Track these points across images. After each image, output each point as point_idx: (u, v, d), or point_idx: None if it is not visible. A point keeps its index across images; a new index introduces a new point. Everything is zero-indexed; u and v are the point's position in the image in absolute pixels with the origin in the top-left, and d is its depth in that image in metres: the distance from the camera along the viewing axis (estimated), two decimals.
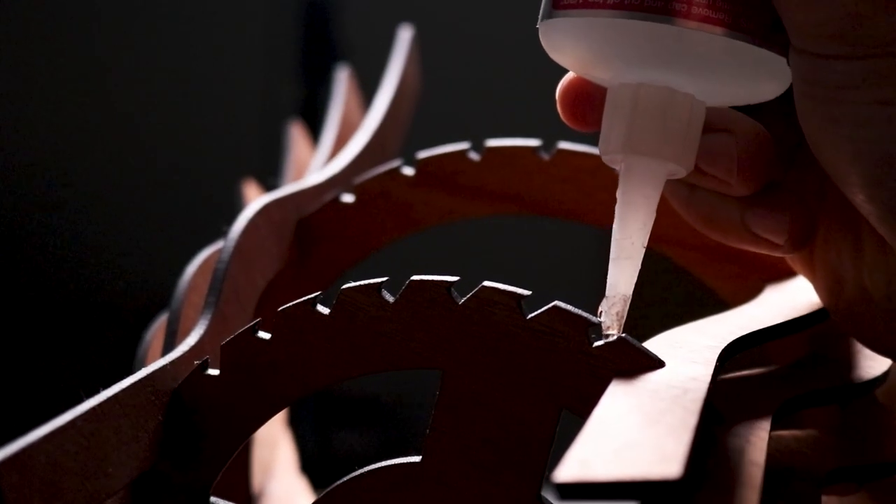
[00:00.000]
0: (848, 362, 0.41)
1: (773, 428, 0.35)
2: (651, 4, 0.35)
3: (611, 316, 0.36)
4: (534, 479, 0.34)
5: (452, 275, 0.36)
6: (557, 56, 0.37)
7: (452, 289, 0.35)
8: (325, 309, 0.35)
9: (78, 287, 1.69)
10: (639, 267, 0.37)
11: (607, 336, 0.35)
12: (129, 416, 0.34)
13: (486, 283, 0.35)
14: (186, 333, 0.40)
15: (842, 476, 0.37)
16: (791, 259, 0.41)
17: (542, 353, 0.34)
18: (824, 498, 0.37)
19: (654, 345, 0.36)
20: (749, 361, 0.40)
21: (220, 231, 0.44)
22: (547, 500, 0.34)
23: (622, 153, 0.37)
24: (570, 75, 0.39)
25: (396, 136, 0.60)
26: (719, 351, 0.35)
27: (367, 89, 0.65)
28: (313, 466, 0.61)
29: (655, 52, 0.36)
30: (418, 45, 0.64)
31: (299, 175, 0.60)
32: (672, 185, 0.39)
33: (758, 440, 0.33)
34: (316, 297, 0.36)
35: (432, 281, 0.35)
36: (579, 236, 1.42)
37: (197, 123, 1.70)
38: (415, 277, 0.35)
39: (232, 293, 0.41)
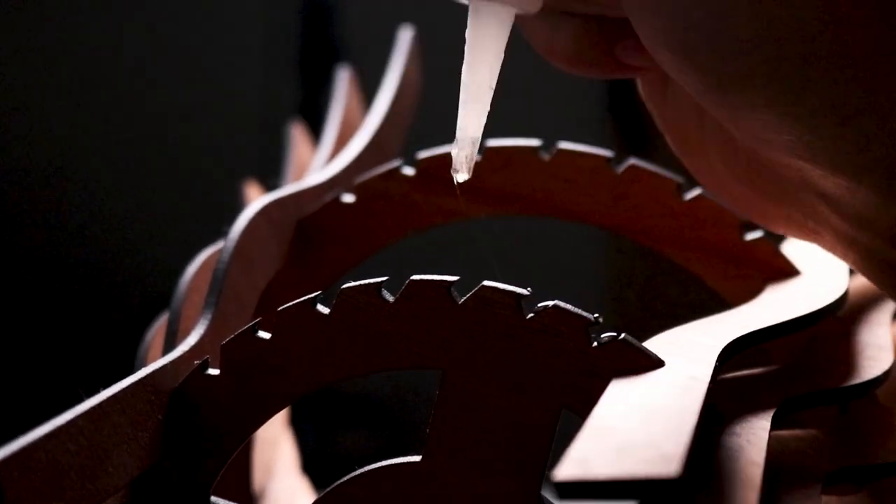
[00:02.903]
0: (848, 362, 0.41)
1: (773, 428, 0.35)
2: None
3: (461, 159, 0.38)
4: (534, 479, 0.34)
5: (452, 275, 0.36)
6: None
7: (452, 288, 0.35)
8: (325, 308, 0.35)
9: (78, 287, 1.69)
10: (487, 109, 0.38)
11: (458, 174, 0.37)
12: (129, 415, 0.34)
13: (486, 283, 0.35)
14: (187, 333, 0.40)
15: (842, 476, 0.37)
16: (648, 94, 0.41)
17: (542, 353, 0.34)
18: (824, 498, 0.37)
19: (653, 344, 0.36)
20: (749, 361, 0.40)
21: (221, 231, 0.44)
22: (547, 499, 0.35)
23: None
24: None
25: (397, 136, 0.60)
26: (719, 351, 0.35)
27: (367, 89, 0.65)
28: (314, 466, 0.61)
29: None
30: (419, 46, 0.64)
31: (300, 175, 0.60)
32: (532, 28, 0.39)
33: (757, 440, 0.33)
34: (316, 296, 0.36)
35: (432, 280, 0.35)
36: (579, 236, 1.42)
37: (197, 123, 1.70)
38: (414, 277, 0.35)
39: (232, 293, 0.41)
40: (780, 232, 0.39)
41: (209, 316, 0.40)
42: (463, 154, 0.38)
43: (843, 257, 0.37)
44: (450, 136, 0.44)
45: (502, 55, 0.38)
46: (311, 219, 0.48)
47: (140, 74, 1.70)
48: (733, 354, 0.36)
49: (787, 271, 0.46)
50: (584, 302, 0.36)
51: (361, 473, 0.36)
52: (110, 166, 1.71)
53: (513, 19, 0.38)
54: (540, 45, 0.40)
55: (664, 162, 0.48)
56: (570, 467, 0.27)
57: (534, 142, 0.48)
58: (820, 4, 0.32)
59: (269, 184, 0.59)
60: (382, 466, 0.35)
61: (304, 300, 0.36)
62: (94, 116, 1.71)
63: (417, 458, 0.35)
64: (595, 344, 0.34)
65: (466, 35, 0.38)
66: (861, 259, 0.36)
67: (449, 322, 0.35)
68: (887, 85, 0.32)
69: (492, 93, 0.38)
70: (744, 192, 0.38)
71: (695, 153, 0.40)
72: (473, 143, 0.38)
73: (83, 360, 1.52)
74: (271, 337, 0.36)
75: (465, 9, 0.38)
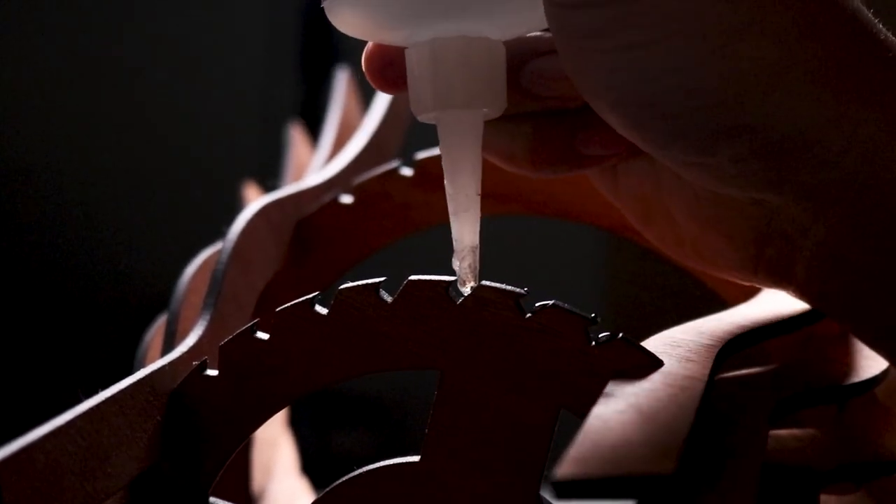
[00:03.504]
0: (846, 361, 0.41)
1: (771, 427, 0.35)
2: None
3: (464, 269, 0.37)
4: (532, 479, 0.34)
5: (451, 275, 0.36)
6: (348, 29, 0.38)
7: (450, 288, 0.35)
8: (323, 309, 0.36)
9: (77, 288, 1.69)
10: (479, 215, 0.38)
11: (465, 286, 0.36)
12: (128, 416, 0.34)
13: (484, 283, 0.35)
14: (185, 334, 0.40)
15: (841, 475, 0.37)
16: (600, 183, 0.41)
17: (540, 353, 0.34)
18: (823, 497, 0.37)
19: (652, 344, 0.36)
20: (747, 360, 0.40)
21: (220, 232, 0.44)
22: (546, 499, 0.35)
23: (433, 111, 0.37)
24: (371, 43, 0.39)
25: (395, 137, 0.60)
26: (717, 350, 0.35)
27: (366, 90, 0.65)
28: (313, 466, 0.61)
29: (437, 3, 0.36)
30: None
31: (299, 176, 0.60)
32: (491, 138, 0.39)
33: (756, 439, 0.33)
34: (314, 297, 0.36)
35: (430, 281, 0.35)
36: (579, 236, 1.42)
37: (197, 124, 1.70)
38: (413, 277, 0.35)
39: (231, 294, 0.41)
40: (754, 283, 0.39)
41: (208, 317, 0.40)
42: (466, 264, 0.37)
43: (817, 297, 0.38)
44: None
45: (480, 159, 0.38)
46: (309, 219, 0.49)
47: (140, 75, 1.70)
48: (731, 354, 0.36)
49: None
50: (584, 302, 0.36)
51: (360, 474, 0.36)
52: (110, 166, 1.71)
53: (482, 123, 0.38)
54: (500, 154, 0.40)
55: None
56: (568, 467, 0.27)
57: None
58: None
59: (268, 184, 0.59)
60: (381, 467, 0.35)
61: (303, 301, 0.36)
62: (93, 116, 1.71)
63: (416, 459, 0.35)
64: (593, 344, 0.34)
65: (440, 149, 0.38)
66: (838, 289, 0.37)
67: (447, 322, 0.35)
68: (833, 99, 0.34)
69: (479, 198, 0.38)
70: (714, 241, 0.39)
71: (656, 219, 0.40)
72: (473, 252, 0.37)
73: (82, 361, 1.52)
74: (270, 337, 0.36)
75: None
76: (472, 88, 0.37)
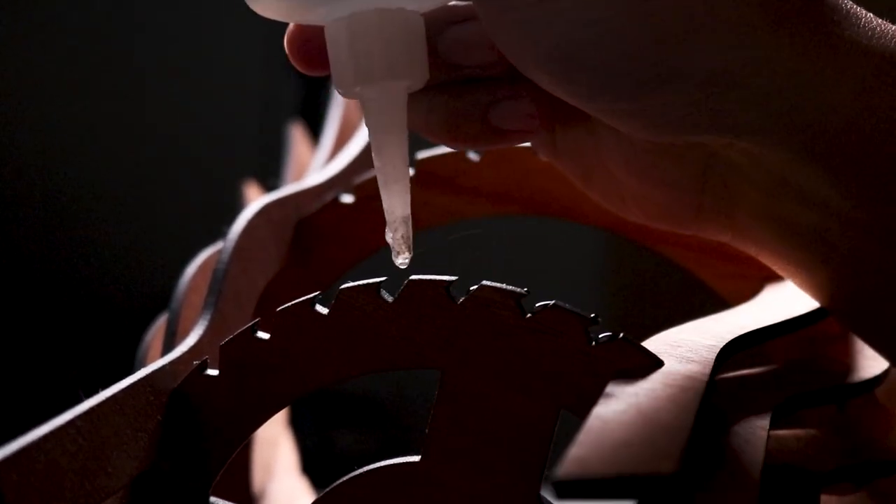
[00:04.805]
0: (847, 362, 0.41)
1: (772, 427, 0.35)
2: None
3: (397, 240, 0.38)
4: (533, 479, 0.34)
5: (452, 275, 0.36)
6: (268, 12, 0.38)
7: (451, 288, 0.35)
8: (323, 309, 0.35)
9: (78, 288, 1.69)
10: (408, 185, 0.38)
11: (398, 256, 0.37)
12: (128, 416, 0.34)
13: (485, 283, 0.35)
14: (186, 334, 0.40)
15: (841, 475, 0.37)
16: (539, 149, 0.41)
17: (540, 353, 0.34)
18: (824, 497, 0.37)
19: (652, 344, 0.36)
20: (748, 361, 0.40)
21: (220, 231, 0.44)
22: (546, 499, 0.35)
23: (356, 86, 0.37)
24: (292, 24, 0.39)
25: None
26: (718, 350, 0.35)
27: None
28: (313, 466, 0.61)
29: None
30: None
31: (300, 175, 0.60)
32: (410, 106, 0.39)
33: (756, 439, 0.33)
34: (315, 296, 0.36)
35: (431, 280, 0.35)
36: (579, 236, 1.42)
37: (197, 124, 1.70)
38: (413, 277, 0.35)
39: (231, 293, 0.41)
40: (694, 231, 0.40)
41: (208, 316, 0.40)
42: (399, 235, 0.38)
43: (757, 243, 0.38)
44: None
45: (406, 131, 0.38)
46: (310, 219, 0.49)
47: (140, 75, 1.70)
48: (732, 354, 0.36)
49: None
50: (584, 302, 0.36)
51: (360, 473, 0.36)
52: (110, 166, 1.71)
53: (406, 95, 0.38)
54: (419, 126, 0.40)
55: None
56: (568, 467, 0.27)
57: None
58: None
59: (269, 184, 0.59)
60: (381, 466, 0.35)
61: (303, 300, 0.36)
62: (93, 116, 1.71)
63: (416, 458, 0.35)
64: (594, 344, 0.34)
65: (366, 125, 0.38)
66: (778, 235, 0.37)
67: (448, 322, 0.35)
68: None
69: (408, 169, 0.38)
70: (653, 193, 0.39)
71: (598, 178, 0.40)
72: (405, 222, 0.38)
73: (83, 361, 1.52)
74: (270, 337, 0.36)
75: None
76: (392, 61, 0.37)
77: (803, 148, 0.35)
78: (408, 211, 0.38)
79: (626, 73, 0.34)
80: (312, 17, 0.38)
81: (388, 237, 0.38)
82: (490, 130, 0.39)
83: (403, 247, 0.38)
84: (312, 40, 0.39)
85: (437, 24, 0.39)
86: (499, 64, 0.38)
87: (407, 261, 0.37)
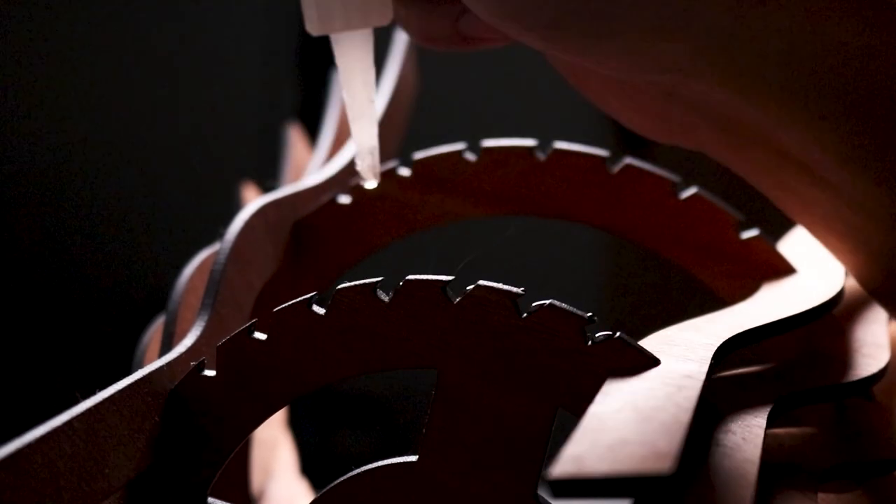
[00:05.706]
0: (845, 359, 0.41)
1: (769, 425, 0.35)
2: None
3: (365, 168, 0.43)
4: (530, 478, 0.34)
5: (449, 275, 0.36)
6: None
7: (448, 288, 0.35)
8: (320, 309, 0.36)
9: (75, 288, 1.69)
10: (375, 119, 0.43)
11: (366, 182, 0.42)
12: (125, 417, 0.34)
13: (482, 283, 0.35)
14: (183, 335, 0.40)
15: (839, 473, 0.37)
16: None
17: (537, 352, 0.34)
18: (822, 496, 0.37)
19: (649, 343, 0.36)
20: (745, 359, 0.40)
21: (218, 232, 0.44)
22: (543, 498, 0.35)
23: (320, 33, 0.41)
24: None
25: (393, 137, 0.60)
26: (715, 349, 0.35)
27: None
28: (313, 466, 0.61)
29: None
30: (415, 46, 0.64)
31: (297, 176, 0.60)
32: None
33: (753, 437, 0.33)
34: (312, 297, 0.36)
35: (427, 280, 0.35)
36: (577, 236, 1.42)
37: (196, 125, 1.70)
38: (410, 277, 0.35)
39: (228, 294, 0.41)
40: (672, 142, 0.42)
41: (206, 317, 0.40)
42: (366, 164, 0.43)
43: (728, 153, 0.41)
44: (447, 138, 0.45)
45: (372, 68, 0.42)
46: (307, 220, 0.48)
47: (140, 75, 1.70)
48: (729, 352, 0.36)
49: (782, 269, 0.46)
50: (581, 301, 0.36)
51: (358, 473, 0.36)
52: (109, 167, 1.71)
53: (371, 37, 0.41)
54: (398, 19, 0.42)
55: (660, 161, 0.48)
56: (564, 465, 0.27)
57: (530, 142, 0.48)
58: None
59: (267, 185, 0.59)
60: (379, 466, 0.36)
61: (300, 301, 0.36)
62: (93, 116, 1.71)
63: (413, 458, 0.35)
64: (590, 343, 0.34)
65: (336, 61, 0.42)
66: (738, 156, 0.40)
67: (444, 322, 0.35)
68: None
69: (374, 103, 0.43)
70: (628, 114, 0.43)
71: (576, 79, 0.43)
72: (372, 152, 0.43)
73: (80, 362, 1.52)
74: (267, 338, 0.36)
75: None
76: (350, 14, 0.40)
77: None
78: (374, 142, 0.43)
79: (569, 35, 0.37)
80: None
81: (357, 165, 0.43)
82: (458, 35, 0.41)
83: (370, 174, 0.43)
84: None
85: None
86: None
87: (374, 185, 0.43)
